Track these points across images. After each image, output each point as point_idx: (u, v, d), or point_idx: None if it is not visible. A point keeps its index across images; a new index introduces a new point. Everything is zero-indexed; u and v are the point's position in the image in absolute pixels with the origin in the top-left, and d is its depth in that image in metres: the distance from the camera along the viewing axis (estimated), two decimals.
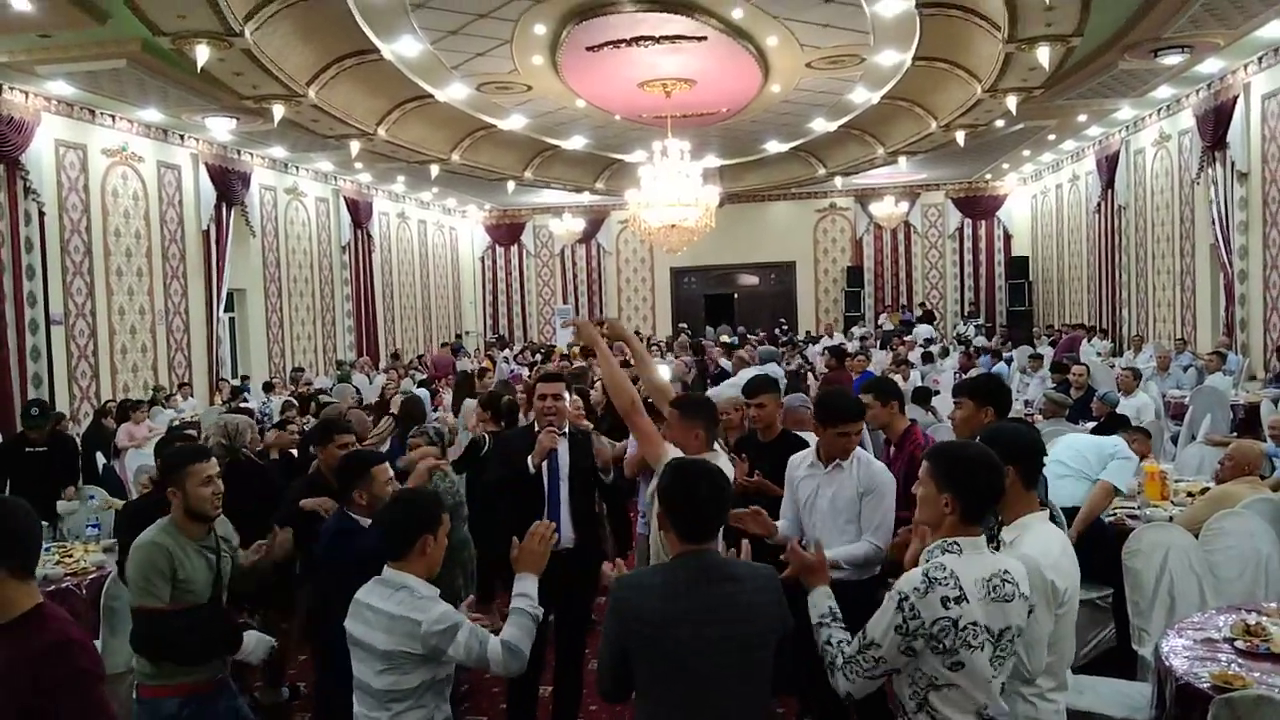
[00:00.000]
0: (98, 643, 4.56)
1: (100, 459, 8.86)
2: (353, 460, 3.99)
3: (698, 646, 2.48)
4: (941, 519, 2.60)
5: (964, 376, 12.27)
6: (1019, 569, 2.58)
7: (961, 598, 2.44)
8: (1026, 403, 10.66)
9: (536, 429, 4.61)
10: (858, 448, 4.02)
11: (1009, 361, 13.89)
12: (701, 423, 3.75)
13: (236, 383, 13.67)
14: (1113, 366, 12.34)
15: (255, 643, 3.67)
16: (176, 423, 10.19)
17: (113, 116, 11.77)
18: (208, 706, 3.44)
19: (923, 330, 19.29)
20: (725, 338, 17.04)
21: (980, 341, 16.61)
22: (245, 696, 4.17)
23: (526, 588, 2.98)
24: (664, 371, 5.57)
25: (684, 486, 2.60)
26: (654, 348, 16.00)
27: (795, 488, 4.05)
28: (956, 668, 2.46)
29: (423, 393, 10.84)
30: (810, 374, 12.16)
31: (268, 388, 13.07)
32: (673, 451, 3.49)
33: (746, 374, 7.98)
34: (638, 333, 20.11)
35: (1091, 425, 7.95)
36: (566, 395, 4.71)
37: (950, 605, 2.43)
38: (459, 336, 22.05)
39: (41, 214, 10.47)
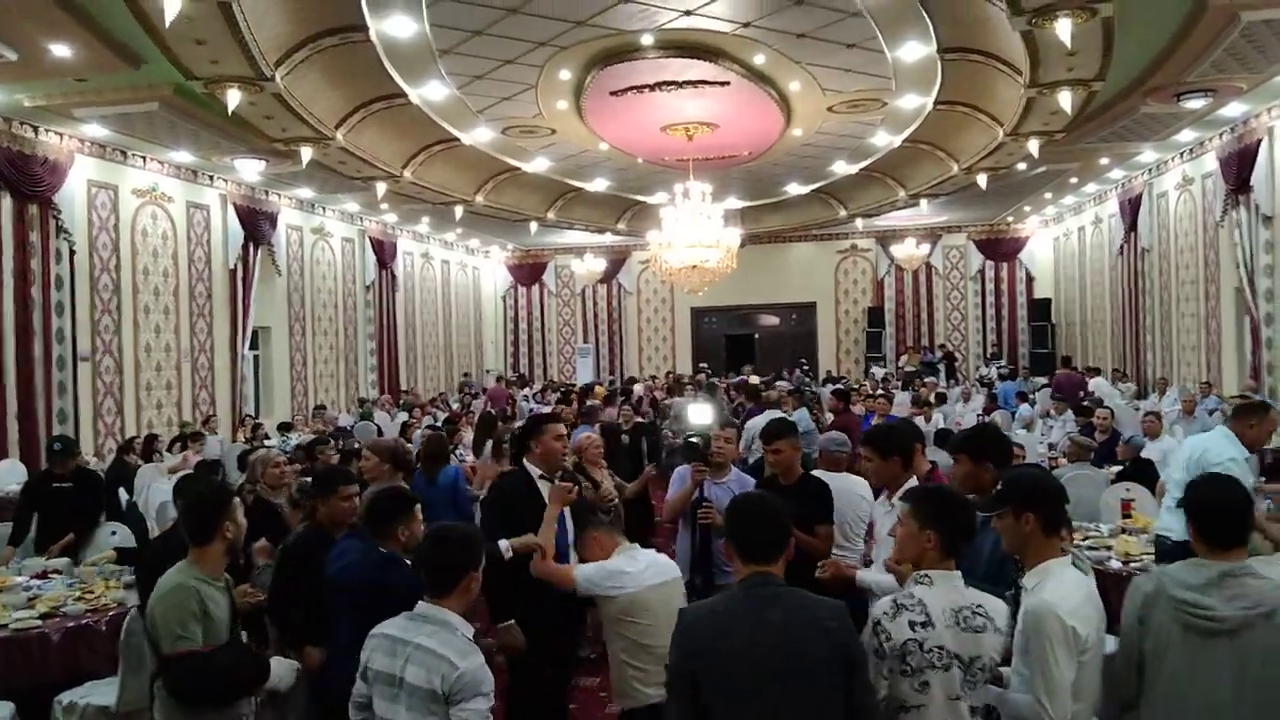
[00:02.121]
0: (114, 680, 4.58)
1: (124, 495, 8.90)
2: (393, 497, 3.91)
3: (753, 674, 2.57)
4: (923, 554, 2.87)
5: (986, 419, 12.23)
6: (997, 607, 2.82)
7: (928, 623, 2.70)
8: (1050, 446, 10.57)
9: (538, 474, 4.52)
10: (914, 478, 4.21)
11: (1033, 403, 13.78)
12: (597, 534, 4.12)
13: (260, 420, 13.64)
14: (1137, 410, 12.22)
15: (285, 669, 3.68)
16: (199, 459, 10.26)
17: (144, 158, 11.99)
18: None
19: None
20: (753, 379, 16.93)
21: (1006, 384, 16.48)
22: None
23: None
24: (706, 415, 5.47)
25: (739, 510, 2.89)
26: (689, 385, 15.98)
27: (877, 525, 4.42)
28: (923, 688, 2.68)
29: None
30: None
31: (285, 427, 12.79)
32: (584, 570, 3.92)
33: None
34: (668, 374, 20.41)
35: (1117, 469, 7.88)
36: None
37: (917, 629, 2.69)
38: (466, 375, 22.16)
39: (72, 252, 10.66)
